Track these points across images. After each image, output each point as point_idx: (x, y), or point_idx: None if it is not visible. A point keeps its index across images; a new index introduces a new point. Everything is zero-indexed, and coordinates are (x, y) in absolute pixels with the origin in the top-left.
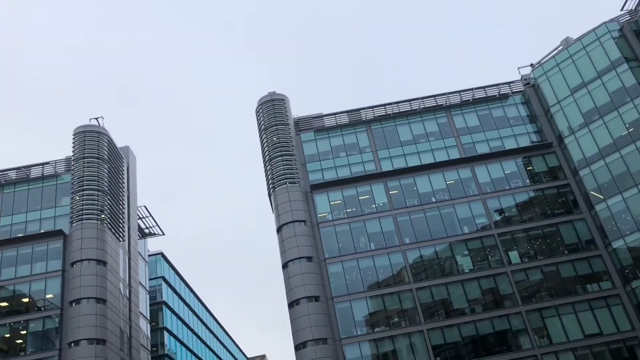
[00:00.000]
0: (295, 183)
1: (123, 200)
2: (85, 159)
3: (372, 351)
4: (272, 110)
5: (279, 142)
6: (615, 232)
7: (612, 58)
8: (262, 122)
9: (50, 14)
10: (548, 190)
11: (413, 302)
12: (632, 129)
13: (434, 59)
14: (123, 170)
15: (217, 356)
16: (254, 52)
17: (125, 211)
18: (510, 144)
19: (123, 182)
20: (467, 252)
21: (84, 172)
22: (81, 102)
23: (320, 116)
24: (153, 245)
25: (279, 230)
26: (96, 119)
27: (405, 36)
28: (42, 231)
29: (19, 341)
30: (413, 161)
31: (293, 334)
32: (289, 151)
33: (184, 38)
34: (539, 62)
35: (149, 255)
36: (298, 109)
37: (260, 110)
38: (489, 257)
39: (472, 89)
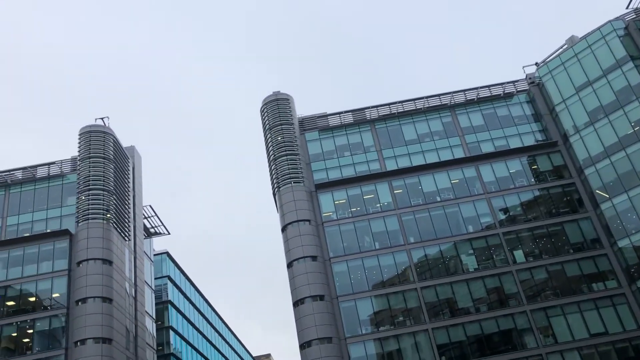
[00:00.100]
0: (299, 182)
1: (129, 199)
2: (91, 159)
3: (377, 350)
4: (276, 109)
5: (284, 142)
6: (621, 231)
7: (617, 56)
8: (267, 122)
9: (51, 14)
10: (553, 189)
11: (418, 301)
12: (638, 127)
13: (434, 59)
14: (128, 170)
15: (223, 355)
16: (255, 52)
17: (131, 211)
18: (515, 143)
19: (128, 182)
20: (471, 251)
21: (89, 172)
22: (85, 103)
23: (325, 115)
24: (158, 244)
25: (283, 229)
26: (102, 119)
27: (405, 36)
28: (48, 231)
29: (26, 340)
30: (417, 160)
31: (298, 333)
32: (294, 150)
33: (185, 38)
34: (543, 61)
35: (154, 255)
36: (299, 109)
37: (265, 110)
38: (494, 256)
39: (476, 88)
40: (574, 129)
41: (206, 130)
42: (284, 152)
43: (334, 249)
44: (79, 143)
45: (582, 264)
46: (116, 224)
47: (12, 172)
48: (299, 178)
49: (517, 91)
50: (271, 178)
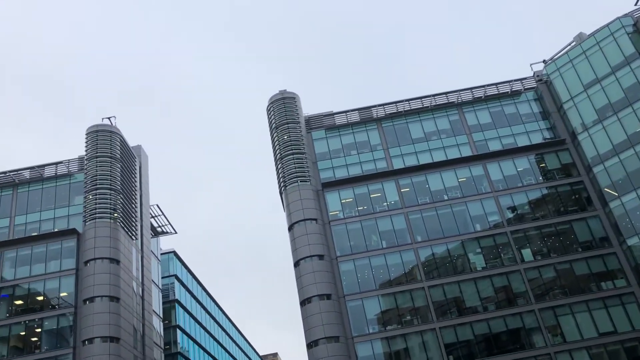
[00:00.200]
0: (306, 181)
1: (135, 199)
2: (98, 158)
3: (385, 349)
4: (282, 108)
5: (290, 141)
6: (630, 229)
7: (626, 53)
8: (273, 121)
9: (57, 14)
10: (561, 187)
11: (425, 300)
12: None
13: (434, 58)
14: (135, 169)
15: (230, 354)
16: (257, 52)
17: (138, 210)
18: (522, 141)
19: (135, 181)
20: (479, 250)
21: (96, 171)
22: (92, 103)
23: (331, 114)
24: (165, 243)
25: (290, 228)
26: (108, 118)
27: (405, 35)
28: (55, 230)
29: (34, 339)
30: (425, 159)
31: (305, 332)
32: (300, 149)
33: (188, 38)
34: (551, 58)
35: (161, 254)
36: (303, 108)
37: (271, 109)
38: (502, 255)
39: (483, 86)
40: (582, 126)
41: (212, 130)
42: (291, 151)
43: (340, 248)
44: (86, 142)
45: (591, 262)
46: (123, 223)
47: (19, 172)
48: (305, 177)
49: (525, 89)
50: (278, 177)
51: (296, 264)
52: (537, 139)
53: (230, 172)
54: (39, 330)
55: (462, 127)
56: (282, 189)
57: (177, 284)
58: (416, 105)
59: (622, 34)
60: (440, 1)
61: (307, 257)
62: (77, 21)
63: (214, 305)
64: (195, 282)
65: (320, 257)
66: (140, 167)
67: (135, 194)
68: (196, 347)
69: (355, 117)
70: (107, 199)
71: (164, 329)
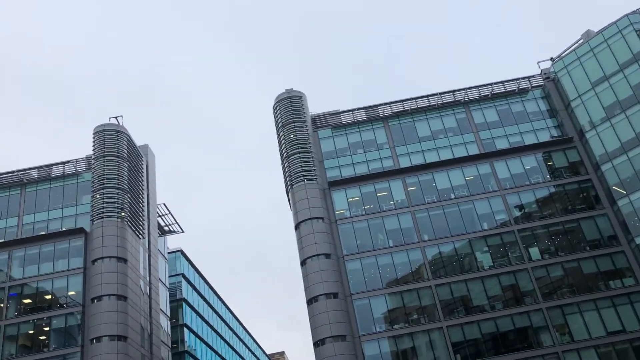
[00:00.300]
0: (312, 180)
1: (143, 198)
2: (106, 158)
3: (392, 348)
4: (289, 107)
5: (297, 139)
6: (639, 227)
7: (634, 50)
8: (280, 120)
9: (58, 15)
10: (569, 185)
11: (432, 299)
12: None
13: (434, 57)
14: (142, 168)
15: (237, 353)
16: (259, 52)
17: (145, 209)
18: (530, 139)
19: (142, 180)
20: (486, 249)
21: (104, 170)
22: (93, 103)
23: (338, 113)
24: (172, 242)
25: (297, 227)
26: (115, 118)
27: (406, 34)
28: (63, 229)
29: (43, 338)
30: (431, 157)
31: (312, 330)
32: (307, 148)
33: (190, 37)
34: (559, 56)
35: (168, 253)
36: (313, 107)
37: (278, 108)
38: (509, 254)
39: (490, 84)
40: (590, 124)
41: (212, 130)
42: (297, 150)
43: (347, 247)
44: (94, 142)
45: (599, 261)
46: (130, 222)
47: (27, 171)
48: (312, 176)
49: (532, 87)
50: (284, 176)
51: (303, 263)
52: (544, 137)
53: (231, 171)
54: (47, 328)
55: (469, 125)
56: (289, 187)
57: (184, 282)
58: (423, 103)
59: (630, 31)
60: (440, 1)
61: (314, 255)
62: (77, 21)
63: (220, 304)
64: (202, 280)
65: (327, 255)
66: (147, 166)
67: (143, 193)
68: (203, 345)
69: (361, 115)
70: (114, 198)
71: (171, 327)
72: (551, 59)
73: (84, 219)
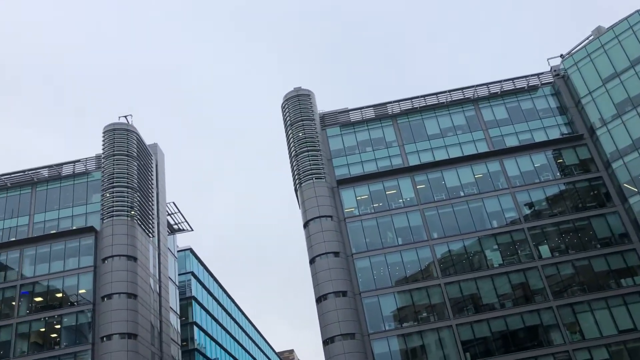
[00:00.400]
0: (321, 178)
1: (152, 196)
2: (115, 157)
3: (401, 346)
4: (297, 105)
5: (305, 138)
6: None
7: None
8: (288, 118)
9: (73, 14)
10: (579, 183)
11: (442, 297)
12: None
13: (435, 58)
14: (152, 167)
15: (246, 350)
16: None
17: (155, 207)
18: (540, 137)
19: (152, 179)
20: (496, 247)
21: (113, 169)
22: (109, 102)
23: (346, 111)
24: (182, 241)
25: (305, 225)
26: (125, 116)
27: (406, 34)
28: (74, 228)
29: (54, 335)
30: (440, 155)
31: (321, 329)
32: (315, 146)
33: (203, 37)
34: (569, 53)
35: (178, 251)
36: (321, 105)
37: (286, 106)
38: (519, 252)
39: (500, 81)
40: (600, 121)
41: (223, 128)
42: (306, 148)
43: (356, 245)
44: (103, 141)
45: (610, 259)
46: (140, 221)
47: (38, 170)
48: (320, 174)
49: (542, 84)
50: (293, 174)
51: (312, 261)
52: (554, 134)
53: (240, 170)
54: (58, 326)
55: (479, 122)
56: (297, 186)
57: (193, 280)
58: (432, 101)
59: None
60: (441, 1)
61: (323, 254)
62: (93, 21)
63: (230, 302)
64: (212, 279)
65: (336, 254)
66: (156, 165)
67: (152, 192)
68: (213, 343)
69: (370, 113)
70: (124, 197)
71: (181, 325)
72: (561, 55)
73: (94, 218)
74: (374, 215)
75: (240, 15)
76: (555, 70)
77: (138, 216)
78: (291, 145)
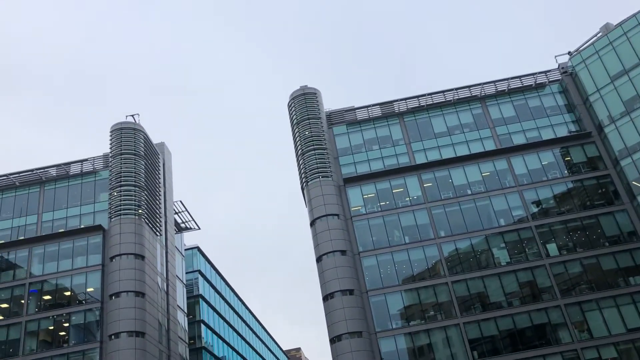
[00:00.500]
0: (328, 177)
1: (159, 195)
2: (123, 156)
3: (408, 345)
4: (304, 104)
5: (311, 136)
6: None
7: None
8: (294, 116)
9: (85, 15)
10: (587, 181)
11: (449, 296)
12: None
13: (435, 58)
14: (159, 166)
15: (253, 348)
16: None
17: (162, 206)
18: (547, 134)
19: (159, 178)
20: (503, 245)
21: (121, 168)
22: (118, 100)
23: (353, 109)
24: (189, 239)
25: (312, 224)
26: (132, 115)
27: (408, 32)
28: (82, 226)
29: (62, 333)
30: (447, 153)
31: (328, 327)
32: (322, 145)
33: (209, 38)
34: (577, 50)
35: (185, 250)
36: (328, 103)
37: (292, 105)
38: (526, 250)
39: (507, 79)
40: (609, 119)
41: (236, 127)
42: (312, 147)
43: (363, 243)
44: (111, 140)
45: (619, 257)
46: (148, 219)
47: (46, 169)
48: (327, 172)
49: (550, 81)
50: (299, 173)
51: (318, 260)
52: (562, 132)
53: (247, 169)
54: (66, 324)
55: (486, 120)
56: (304, 184)
57: (200, 279)
58: (439, 99)
59: None
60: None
61: (330, 252)
62: (97, 20)
63: (237, 300)
64: (219, 277)
65: (343, 252)
66: (164, 164)
67: (159, 191)
68: (220, 341)
69: (376, 111)
70: (131, 196)
71: (189, 323)
72: (569, 53)
73: (102, 216)
74: (381, 213)
75: (248, 14)
76: (563, 68)
77: (145, 215)
78: (298, 144)
